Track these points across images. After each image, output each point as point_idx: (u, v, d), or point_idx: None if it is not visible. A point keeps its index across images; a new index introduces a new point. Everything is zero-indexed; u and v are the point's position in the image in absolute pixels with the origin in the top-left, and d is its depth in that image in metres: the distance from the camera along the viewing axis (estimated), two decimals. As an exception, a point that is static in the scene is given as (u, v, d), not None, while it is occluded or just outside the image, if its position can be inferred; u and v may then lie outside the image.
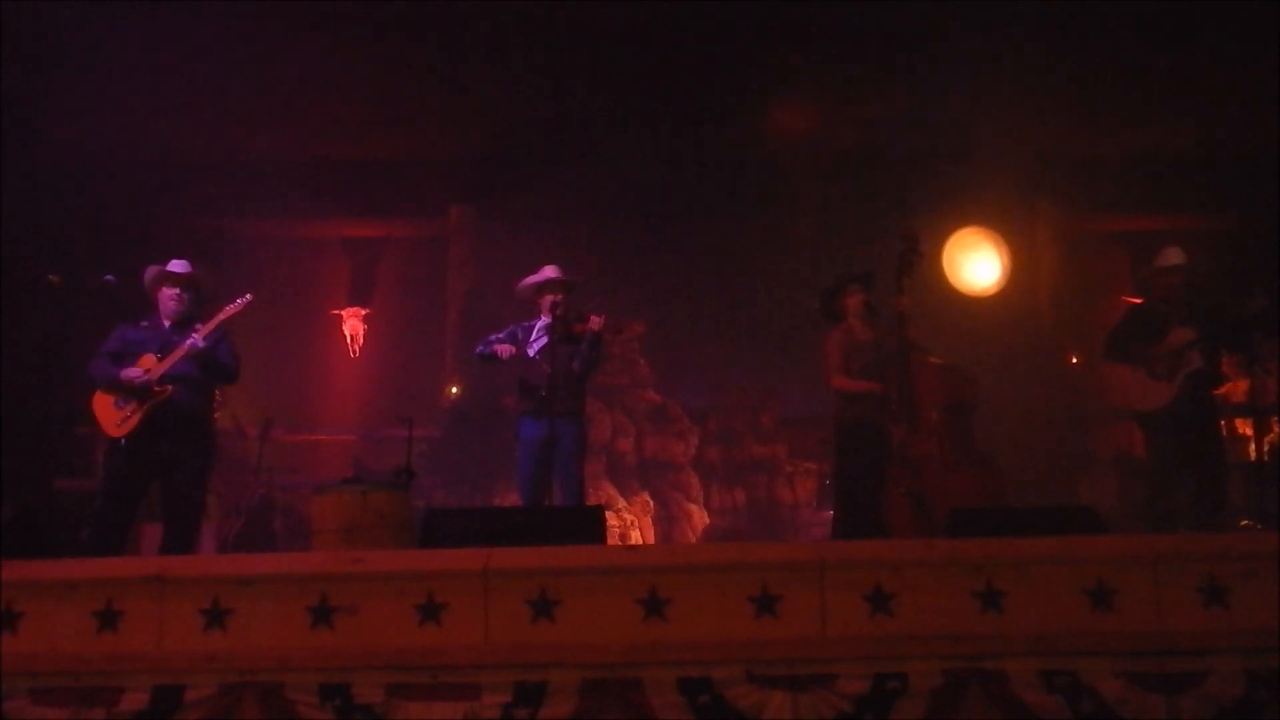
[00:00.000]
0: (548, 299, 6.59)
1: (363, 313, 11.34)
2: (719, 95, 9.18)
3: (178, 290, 5.83)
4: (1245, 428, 8.97)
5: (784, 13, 7.97)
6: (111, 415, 5.64)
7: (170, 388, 5.61)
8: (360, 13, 7.99)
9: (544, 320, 6.56)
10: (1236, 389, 8.89)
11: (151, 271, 5.89)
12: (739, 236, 10.58)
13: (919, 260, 6.08)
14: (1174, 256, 6.49)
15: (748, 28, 8.21)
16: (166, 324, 5.81)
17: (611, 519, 9.69)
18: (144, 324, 5.83)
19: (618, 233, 10.12)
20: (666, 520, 10.45)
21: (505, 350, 6.53)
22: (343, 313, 11.35)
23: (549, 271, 6.68)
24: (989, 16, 7.80)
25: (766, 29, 8.19)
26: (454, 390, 10.42)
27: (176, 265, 5.91)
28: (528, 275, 6.79)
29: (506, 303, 7.16)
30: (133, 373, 5.59)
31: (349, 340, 11.29)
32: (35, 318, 5.76)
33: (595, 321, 6.47)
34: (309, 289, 11.27)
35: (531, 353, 6.53)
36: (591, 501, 8.48)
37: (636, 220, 10.22)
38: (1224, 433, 7.75)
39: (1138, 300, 6.65)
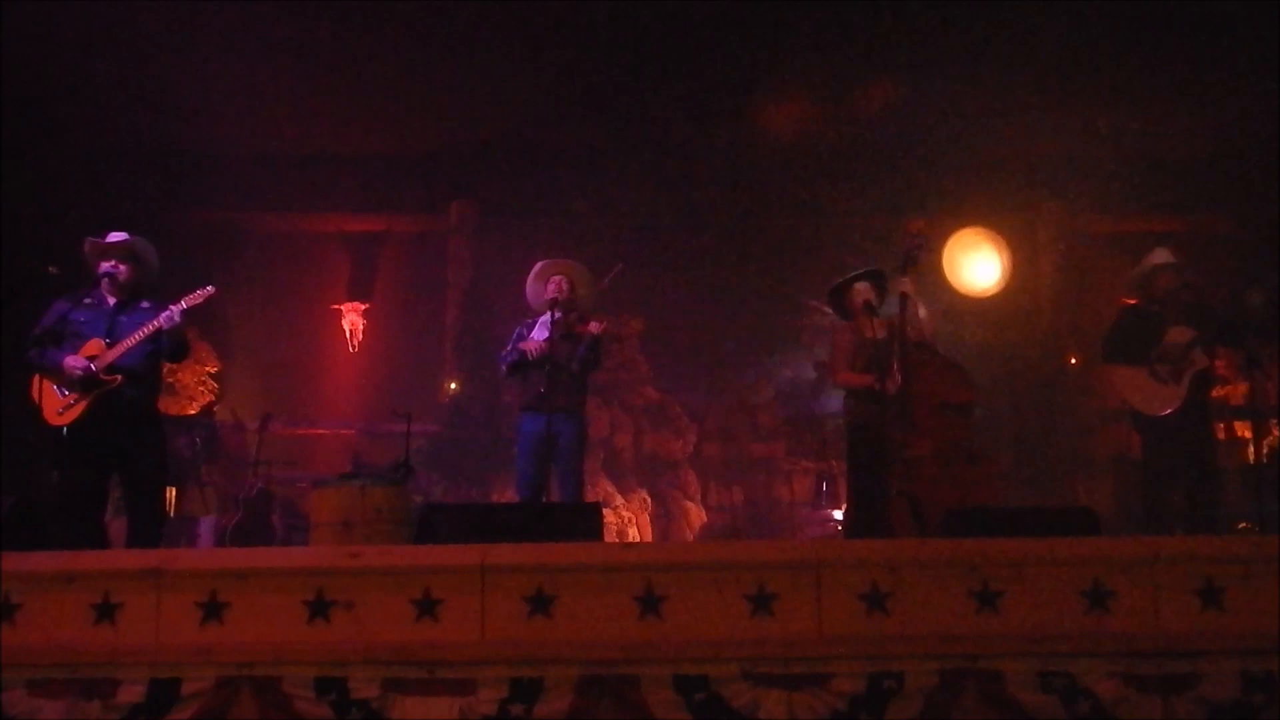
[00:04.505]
0: (550, 293, 6.57)
1: (362, 307, 11.34)
2: (719, 94, 9.18)
3: (114, 261, 5.56)
4: (1244, 430, 8.99)
5: (785, 11, 7.96)
6: (53, 401, 5.35)
7: (119, 378, 5.36)
8: (361, 8, 7.98)
9: (545, 316, 6.55)
10: (1236, 391, 8.91)
11: (90, 244, 5.64)
12: (739, 234, 10.58)
13: (926, 257, 6.09)
14: (1163, 255, 6.50)
15: (748, 26, 8.21)
16: (111, 302, 5.57)
17: (609, 516, 9.71)
18: (87, 301, 5.55)
19: (618, 229, 10.11)
20: (664, 517, 10.46)
21: (532, 345, 6.46)
22: (342, 307, 11.35)
23: (552, 289, 6.60)
24: (991, 17, 7.80)
25: (767, 27, 8.19)
26: (453, 386, 10.43)
27: (115, 235, 5.68)
28: (528, 272, 6.77)
29: (505, 298, 7.16)
30: (77, 363, 5.33)
31: (348, 335, 11.29)
32: (36, 309, 5.66)
33: (595, 326, 6.46)
34: (308, 283, 11.27)
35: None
36: (589, 498, 8.49)
37: (637, 217, 10.22)
38: (1219, 434, 7.76)
39: (1133, 301, 6.65)
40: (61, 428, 5.36)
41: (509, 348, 6.64)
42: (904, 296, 5.93)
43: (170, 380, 10.17)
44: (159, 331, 5.47)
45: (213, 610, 3.52)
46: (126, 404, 5.44)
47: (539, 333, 6.51)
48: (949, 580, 3.50)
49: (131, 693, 3.47)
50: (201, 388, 10.77)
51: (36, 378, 5.38)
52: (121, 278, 5.61)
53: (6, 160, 8.40)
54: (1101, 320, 7.25)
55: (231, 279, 10.41)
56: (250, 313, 10.94)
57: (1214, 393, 6.69)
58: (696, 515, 10.57)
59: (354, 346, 11.28)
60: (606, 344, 6.56)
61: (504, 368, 6.65)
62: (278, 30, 8.17)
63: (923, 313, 6.15)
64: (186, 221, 9.87)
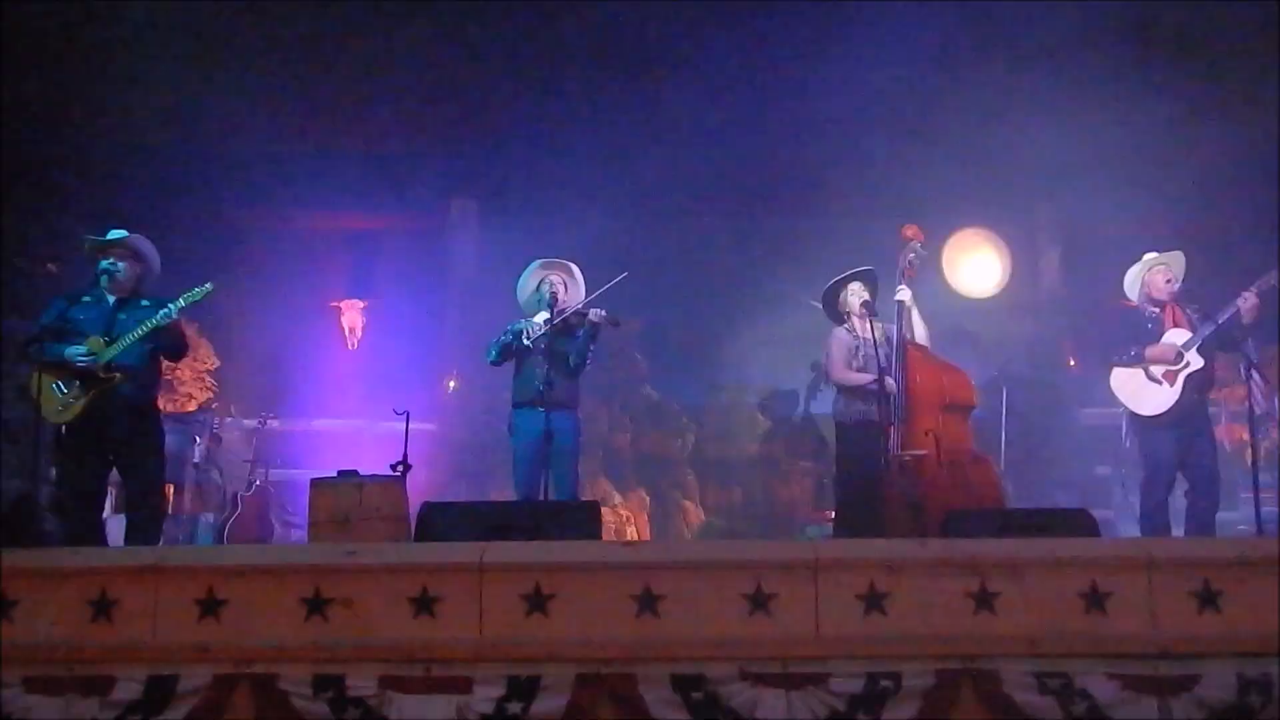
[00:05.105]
0: (544, 293, 6.56)
1: (361, 304, 11.34)
2: (718, 94, 9.18)
3: (114, 259, 5.57)
4: (1242, 433, 8.98)
5: (782, 12, 7.97)
6: (52, 399, 5.34)
7: (118, 374, 5.36)
8: (362, 8, 7.99)
9: (543, 314, 6.54)
10: (1234, 394, 8.90)
11: (89, 241, 5.65)
12: (738, 233, 10.58)
13: (922, 263, 6.09)
14: (1160, 257, 6.51)
15: (747, 28, 8.21)
16: (110, 299, 5.58)
17: (607, 514, 9.69)
18: (86, 298, 5.55)
19: (617, 228, 10.10)
20: (662, 517, 10.46)
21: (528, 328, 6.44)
22: (341, 304, 11.35)
23: (547, 289, 6.60)
24: (992, 18, 7.81)
25: (766, 29, 8.20)
26: (452, 384, 10.42)
27: (114, 233, 5.68)
28: (525, 270, 6.77)
29: (505, 296, 7.13)
30: (78, 352, 5.33)
31: (347, 332, 11.29)
32: (35, 307, 5.67)
33: (594, 314, 6.46)
34: (308, 280, 11.26)
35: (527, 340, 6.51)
36: (587, 497, 8.48)
37: (636, 216, 10.21)
38: (1217, 436, 7.74)
39: (1131, 303, 6.66)
40: (61, 425, 5.36)
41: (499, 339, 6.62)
42: (900, 305, 5.95)
43: (169, 377, 10.16)
44: (156, 329, 5.47)
45: (210, 607, 3.53)
46: (125, 401, 5.43)
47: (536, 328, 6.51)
48: (947, 581, 3.50)
49: (128, 689, 3.47)
50: (200, 385, 10.77)
51: (36, 375, 5.36)
52: (121, 275, 5.61)
53: (6, 160, 8.39)
54: (1100, 321, 7.25)
55: (231, 276, 10.40)
56: (250, 310, 10.93)
57: (1212, 395, 6.68)
58: (695, 515, 10.57)
59: (353, 344, 11.27)
60: (605, 329, 6.52)
61: (493, 353, 6.57)
62: (279, 30, 8.17)
63: (920, 328, 6.16)
64: (186, 220, 9.86)
